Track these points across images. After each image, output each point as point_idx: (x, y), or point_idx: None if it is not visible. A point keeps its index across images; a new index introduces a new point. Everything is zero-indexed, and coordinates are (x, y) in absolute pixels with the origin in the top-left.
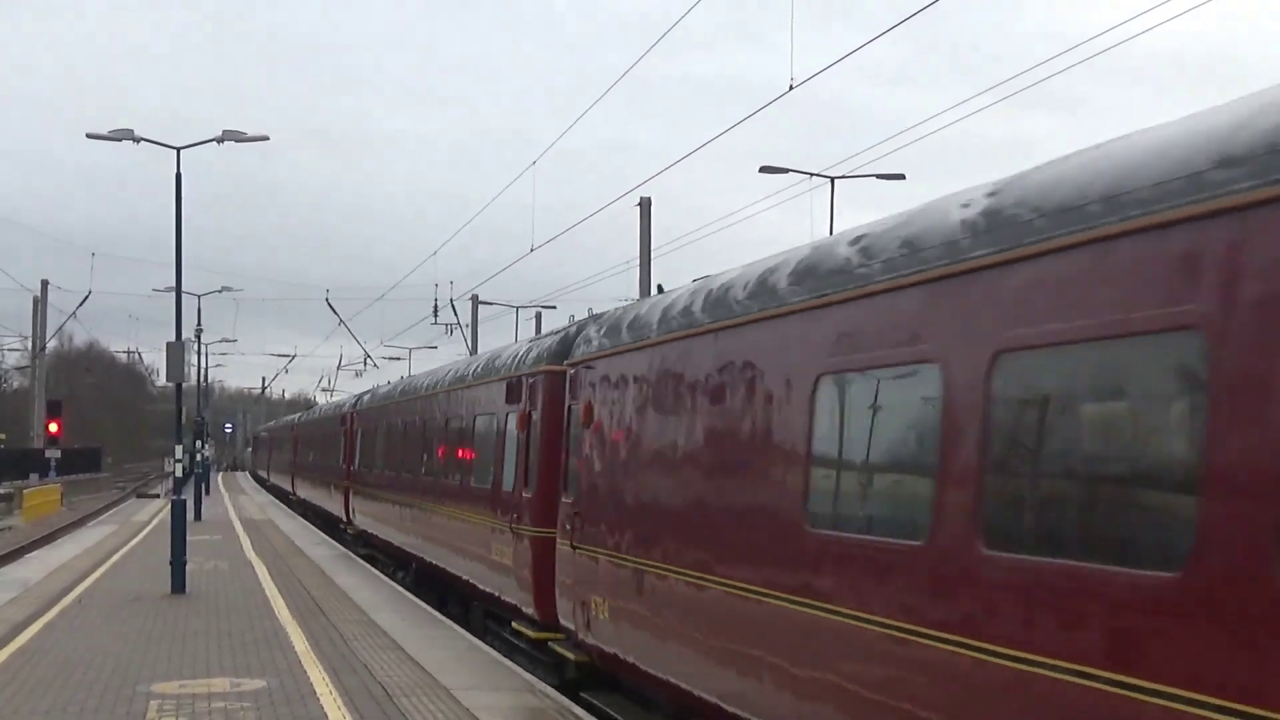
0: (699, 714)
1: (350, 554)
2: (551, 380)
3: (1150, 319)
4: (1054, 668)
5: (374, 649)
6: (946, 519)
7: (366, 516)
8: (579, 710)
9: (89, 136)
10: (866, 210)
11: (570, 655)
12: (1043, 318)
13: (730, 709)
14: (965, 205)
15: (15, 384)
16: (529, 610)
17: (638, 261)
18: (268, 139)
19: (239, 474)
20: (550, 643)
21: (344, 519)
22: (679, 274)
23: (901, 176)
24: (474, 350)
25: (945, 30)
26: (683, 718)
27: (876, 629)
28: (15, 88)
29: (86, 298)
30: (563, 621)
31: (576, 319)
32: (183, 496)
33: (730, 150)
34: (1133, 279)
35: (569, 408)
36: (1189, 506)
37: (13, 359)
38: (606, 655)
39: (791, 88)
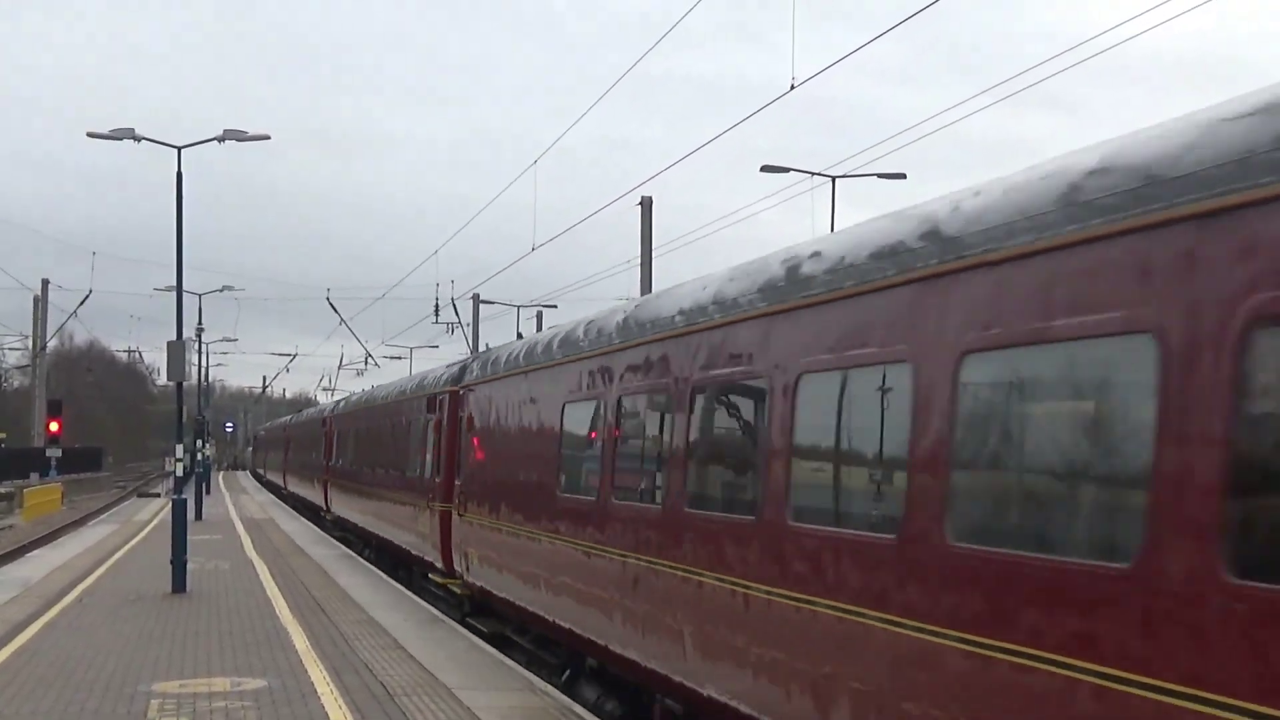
0: (525, 619)
1: (351, 553)
2: (452, 397)
3: (661, 387)
4: (690, 570)
5: (375, 648)
6: (604, 487)
7: (340, 504)
8: (579, 709)
9: (90, 135)
10: (867, 209)
11: (458, 591)
12: (637, 381)
13: (532, 610)
14: (621, 314)
15: (16, 383)
16: (438, 564)
17: (639, 261)
18: (269, 138)
19: (239, 473)
20: (450, 585)
21: (324, 507)
22: (680, 272)
23: (902, 176)
24: (475, 349)
25: (946, 30)
26: (522, 625)
27: (581, 550)
28: (15, 88)
29: (87, 297)
30: (456, 569)
31: (575, 318)
32: (183, 496)
33: (732, 149)
34: (659, 367)
35: (461, 417)
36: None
37: (13, 358)
38: (476, 588)
39: (793, 87)
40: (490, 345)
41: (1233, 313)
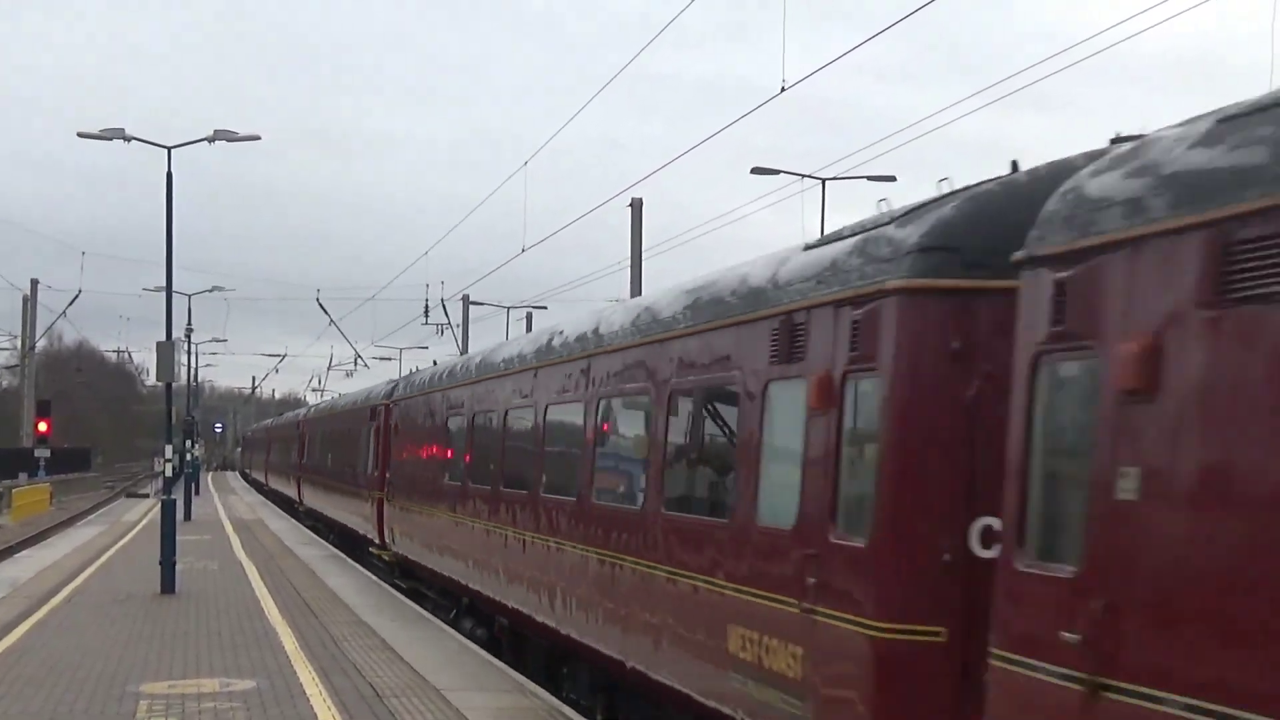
0: (426, 575)
1: (340, 554)
2: (386, 409)
3: (492, 409)
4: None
5: (364, 649)
6: (464, 476)
7: (310, 497)
8: (568, 710)
9: (80, 135)
10: (859, 210)
11: (388, 559)
12: (482, 404)
13: (428, 566)
14: (479, 356)
15: (4, 383)
16: (375, 539)
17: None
18: (259, 138)
19: (229, 474)
20: (382, 555)
21: (298, 500)
22: (672, 274)
23: (892, 178)
24: (464, 350)
25: (944, 30)
26: (430, 582)
27: (453, 520)
28: (14, 88)
29: (76, 297)
30: (386, 541)
31: (563, 320)
32: (173, 496)
33: (725, 149)
34: (492, 397)
35: (391, 425)
36: None
37: (2, 358)
38: (400, 556)
39: (783, 89)
40: (484, 346)
41: (666, 386)
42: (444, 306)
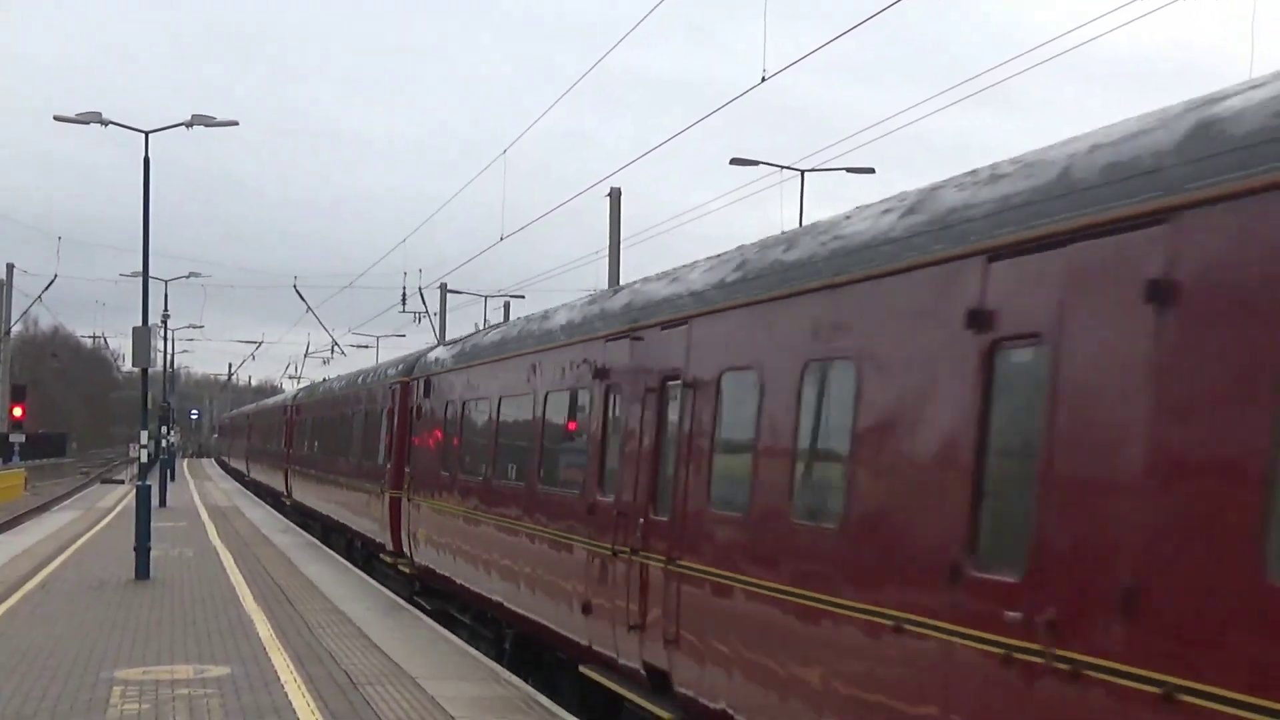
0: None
1: (316, 542)
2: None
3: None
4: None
5: (339, 637)
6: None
7: (255, 471)
8: (544, 699)
9: (56, 119)
10: (837, 204)
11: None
12: (325, 411)
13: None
14: (363, 375)
15: None
16: (245, 472)
17: (607, 252)
18: (237, 124)
19: (204, 460)
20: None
21: (245, 473)
22: (647, 265)
23: (871, 170)
24: (442, 339)
25: (911, 30)
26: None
27: (317, 478)
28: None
29: (52, 281)
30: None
31: (544, 309)
32: (148, 482)
33: (703, 146)
34: (348, 403)
35: (292, 419)
36: None
37: None
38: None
39: (764, 79)
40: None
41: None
42: (421, 294)
